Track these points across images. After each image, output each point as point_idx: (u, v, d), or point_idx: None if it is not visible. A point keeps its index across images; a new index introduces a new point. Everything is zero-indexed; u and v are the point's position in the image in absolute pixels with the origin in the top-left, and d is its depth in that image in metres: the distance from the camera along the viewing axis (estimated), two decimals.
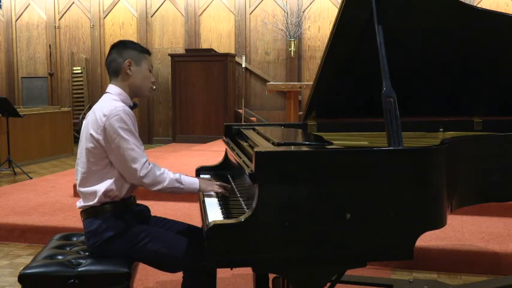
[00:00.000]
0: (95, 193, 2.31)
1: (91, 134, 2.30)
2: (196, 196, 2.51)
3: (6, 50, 11.00)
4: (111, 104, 2.31)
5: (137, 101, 2.58)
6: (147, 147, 8.65)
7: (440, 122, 3.01)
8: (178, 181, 2.33)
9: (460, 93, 2.85)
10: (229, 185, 2.46)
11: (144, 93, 2.49)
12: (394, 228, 1.91)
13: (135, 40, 10.76)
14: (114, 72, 2.42)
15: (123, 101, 2.38)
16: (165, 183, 2.30)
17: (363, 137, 2.83)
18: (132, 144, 2.26)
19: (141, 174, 2.26)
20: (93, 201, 2.31)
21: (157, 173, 2.29)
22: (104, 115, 2.27)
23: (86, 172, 2.34)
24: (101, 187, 2.30)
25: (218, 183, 2.43)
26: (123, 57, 2.40)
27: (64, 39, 10.71)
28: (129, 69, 2.39)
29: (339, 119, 2.96)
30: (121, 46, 2.44)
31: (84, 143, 2.34)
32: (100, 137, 2.27)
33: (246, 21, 9.82)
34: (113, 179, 2.31)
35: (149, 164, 2.29)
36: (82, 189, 2.36)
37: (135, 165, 2.26)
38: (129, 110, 2.34)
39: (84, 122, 2.40)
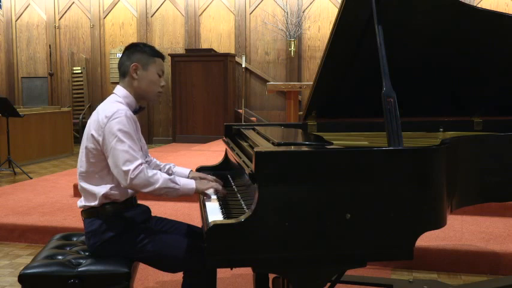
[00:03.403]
0: (94, 195, 2.31)
1: (92, 134, 2.30)
2: (196, 196, 2.51)
3: (6, 50, 11.00)
4: (114, 106, 2.30)
5: (144, 103, 2.54)
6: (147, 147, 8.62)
7: (440, 122, 3.00)
8: (172, 181, 2.28)
9: (460, 93, 2.85)
10: (226, 185, 2.44)
11: (150, 98, 2.45)
12: (394, 228, 1.91)
13: (135, 40, 10.79)
14: (122, 74, 2.42)
15: (128, 104, 2.37)
16: (158, 184, 2.24)
17: (363, 137, 2.83)
18: (127, 147, 2.22)
19: (132, 176, 2.20)
20: (94, 203, 2.32)
21: (150, 174, 2.24)
22: (106, 117, 2.26)
23: (85, 172, 2.34)
24: (101, 190, 2.30)
25: (213, 178, 2.47)
26: (130, 60, 2.39)
27: (64, 39, 10.71)
28: (136, 73, 2.37)
29: (339, 119, 2.96)
30: (132, 48, 2.42)
31: (85, 142, 2.34)
32: (100, 138, 2.27)
33: (246, 21, 9.81)
34: (113, 184, 2.31)
35: (142, 165, 2.23)
36: (82, 184, 2.36)
37: (126, 168, 2.20)
38: (131, 114, 2.33)
39: (88, 121, 2.39)
